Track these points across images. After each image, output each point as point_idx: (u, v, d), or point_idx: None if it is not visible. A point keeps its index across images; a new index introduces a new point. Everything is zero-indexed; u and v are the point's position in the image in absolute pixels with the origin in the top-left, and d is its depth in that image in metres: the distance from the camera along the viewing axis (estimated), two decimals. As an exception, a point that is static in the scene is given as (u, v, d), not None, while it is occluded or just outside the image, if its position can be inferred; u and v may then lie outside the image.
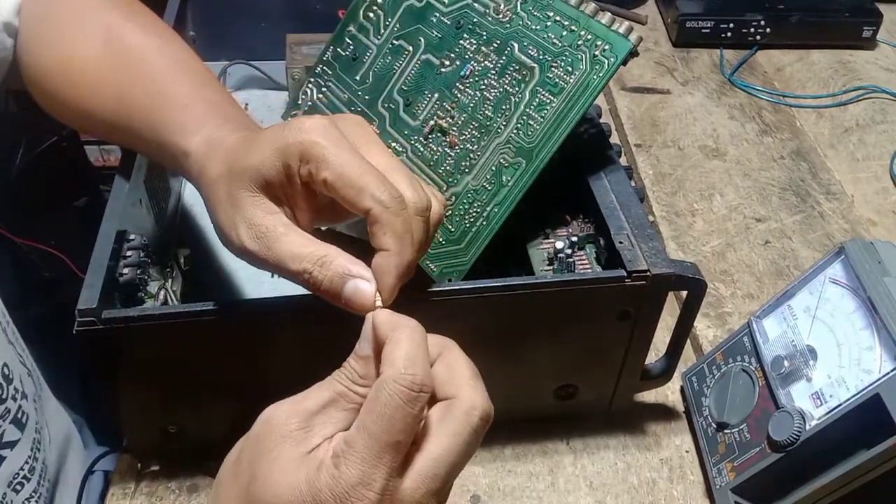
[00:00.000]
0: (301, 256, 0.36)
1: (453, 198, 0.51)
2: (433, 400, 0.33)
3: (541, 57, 0.50)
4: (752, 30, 0.97)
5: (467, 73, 0.53)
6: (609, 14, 0.49)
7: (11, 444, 0.52)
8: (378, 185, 0.36)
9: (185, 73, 0.49)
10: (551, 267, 0.52)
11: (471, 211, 0.51)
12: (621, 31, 0.49)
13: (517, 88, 0.51)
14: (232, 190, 0.38)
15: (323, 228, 0.46)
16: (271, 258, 0.37)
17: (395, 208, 0.36)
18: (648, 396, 0.58)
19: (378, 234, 0.36)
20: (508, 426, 0.54)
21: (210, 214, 0.41)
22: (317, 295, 0.37)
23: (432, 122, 0.53)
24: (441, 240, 0.51)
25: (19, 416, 0.53)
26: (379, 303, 0.36)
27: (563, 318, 0.47)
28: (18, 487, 0.53)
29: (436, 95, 0.54)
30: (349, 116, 0.41)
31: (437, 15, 0.55)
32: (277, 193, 0.38)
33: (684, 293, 0.49)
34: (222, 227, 0.39)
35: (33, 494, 0.54)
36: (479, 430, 0.33)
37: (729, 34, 0.97)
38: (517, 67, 0.51)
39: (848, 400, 0.43)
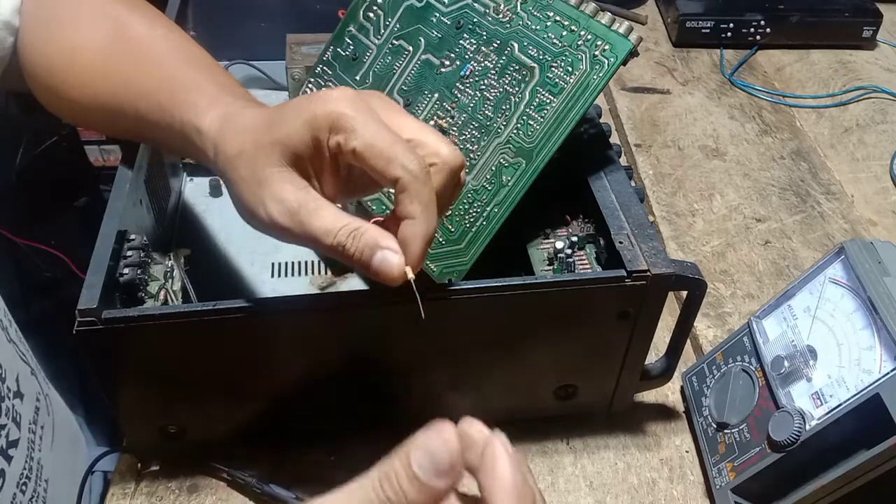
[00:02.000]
0: (334, 231, 0.37)
1: (453, 198, 0.51)
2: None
3: (541, 57, 0.50)
4: (752, 30, 0.97)
5: (467, 73, 0.53)
6: (609, 14, 0.49)
7: (15, 444, 0.52)
8: (407, 155, 0.36)
9: (193, 58, 0.50)
10: (551, 267, 0.52)
11: (471, 211, 0.51)
12: (621, 31, 0.49)
13: (517, 88, 0.51)
14: (257, 167, 0.38)
15: None
16: (303, 234, 0.37)
17: (424, 178, 0.36)
18: (648, 396, 0.58)
19: (405, 203, 0.36)
20: (508, 426, 0.54)
21: (230, 191, 0.41)
22: (349, 264, 0.37)
23: (432, 122, 0.53)
24: (441, 240, 0.51)
25: (14, 415, 0.53)
26: (410, 273, 0.36)
27: (563, 318, 0.47)
28: (24, 488, 0.53)
29: (436, 95, 0.54)
30: (370, 91, 0.41)
31: (437, 15, 0.55)
32: (306, 166, 0.38)
33: (684, 293, 0.49)
34: (248, 205, 0.39)
35: (34, 495, 0.54)
36: None
37: (729, 34, 0.97)
38: (517, 67, 0.51)
39: (848, 400, 0.42)
